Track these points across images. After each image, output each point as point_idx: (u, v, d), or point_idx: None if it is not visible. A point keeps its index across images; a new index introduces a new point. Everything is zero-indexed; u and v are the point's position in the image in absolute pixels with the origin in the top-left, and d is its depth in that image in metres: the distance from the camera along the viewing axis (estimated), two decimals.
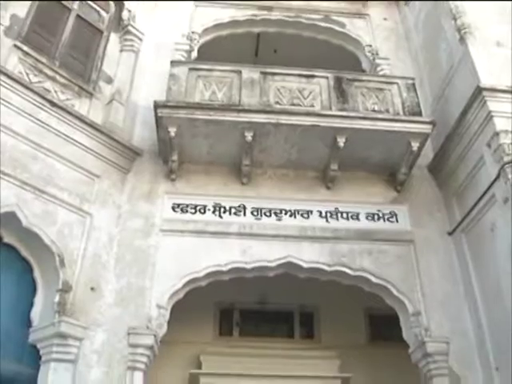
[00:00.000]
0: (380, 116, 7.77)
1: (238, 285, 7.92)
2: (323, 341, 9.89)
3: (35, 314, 6.40)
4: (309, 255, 7.44)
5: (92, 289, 6.73)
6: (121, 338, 6.54)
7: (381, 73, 9.53)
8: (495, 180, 6.66)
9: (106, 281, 6.91)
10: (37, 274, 6.61)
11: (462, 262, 7.41)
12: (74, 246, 6.78)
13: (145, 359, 6.50)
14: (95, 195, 7.30)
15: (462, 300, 7.25)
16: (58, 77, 7.56)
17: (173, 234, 7.44)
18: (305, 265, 7.37)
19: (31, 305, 6.44)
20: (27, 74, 7.22)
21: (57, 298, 6.30)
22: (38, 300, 6.49)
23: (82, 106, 7.74)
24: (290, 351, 9.47)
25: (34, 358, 6.20)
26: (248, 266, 7.29)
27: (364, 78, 8.49)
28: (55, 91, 7.46)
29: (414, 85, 8.28)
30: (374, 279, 7.32)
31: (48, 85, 7.42)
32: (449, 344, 6.83)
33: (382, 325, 9.56)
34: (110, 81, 8.42)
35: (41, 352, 6.19)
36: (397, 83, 8.28)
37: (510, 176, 6.38)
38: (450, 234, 7.74)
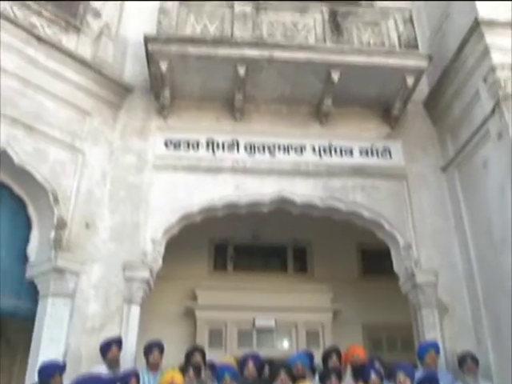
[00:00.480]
0: (375, 49, 7.61)
1: (232, 221, 8.02)
2: (316, 274, 10.14)
3: (31, 250, 6.48)
4: (302, 190, 7.48)
5: (87, 225, 6.79)
6: (117, 273, 6.68)
7: (377, 6, 9.24)
8: (490, 116, 6.59)
9: (100, 217, 6.98)
10: (31, 211, 6.65)
11: (454, 197, 7.45)
12: (67, 183, 6.77)
13: (141, 292, 6.66)
14: (87, 132, 7.22)
15: (453, 234, 7.34)
16: (43, 11, 7.25)
17: (166, 169, 7.43)
18: (298, 199, 7.43)
19: (27, 241, 6.51)
20: (12, 9, 6.91)
21: (52, 234, 6.37)
22: (34, 236, 6.55)
23: (69, 41, 7.48)
24: (284, 284, 9.72)
25: (33, 293, 6.32)
26: (241, 201, 7.34)
27: (360, 10, 8.24)
28: (42, 26, 7.18)
29: (411, 17, 8.04)
30: (366, 214, 7.40)
31: (34, 19, 7.12)
32: (438, 276, 7.00)
33: (374, 259, 9.78)
34: (97, 15, 8.08)
35: (38, 287, 6.31)
36: (393, 16, 8.04)
37: (504, 111, 6.30)
38: (443, 169, 7.76)
